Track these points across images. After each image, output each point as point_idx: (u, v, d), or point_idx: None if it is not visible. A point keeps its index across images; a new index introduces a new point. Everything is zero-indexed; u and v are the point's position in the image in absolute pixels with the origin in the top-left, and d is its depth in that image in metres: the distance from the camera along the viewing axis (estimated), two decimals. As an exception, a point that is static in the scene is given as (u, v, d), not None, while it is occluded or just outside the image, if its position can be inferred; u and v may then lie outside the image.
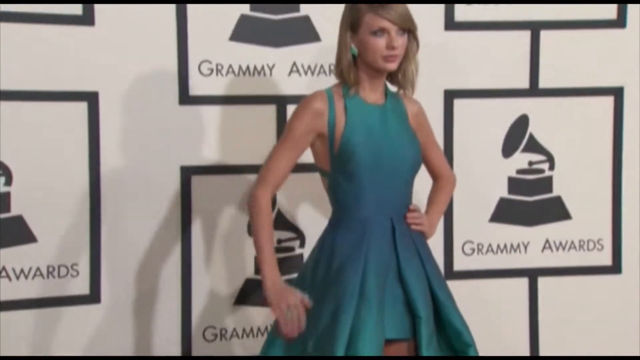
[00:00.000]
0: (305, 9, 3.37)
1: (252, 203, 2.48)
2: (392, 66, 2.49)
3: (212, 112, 3.35)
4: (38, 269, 3.14)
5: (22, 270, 3.13)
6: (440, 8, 3.41)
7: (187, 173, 3.32)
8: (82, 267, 3.21)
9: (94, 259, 3.24)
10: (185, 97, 3.30)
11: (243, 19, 3.36)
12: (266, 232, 2.44)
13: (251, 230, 2.48)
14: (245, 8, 3.32)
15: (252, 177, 3.27)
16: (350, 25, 2.49)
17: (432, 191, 2.75)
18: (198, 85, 3.32)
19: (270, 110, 3.40)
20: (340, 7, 2.60)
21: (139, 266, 3.28)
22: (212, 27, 3.30)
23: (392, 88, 2.66)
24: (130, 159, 3.27)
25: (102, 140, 3.24)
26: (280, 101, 3.38)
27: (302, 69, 3.39)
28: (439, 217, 2.74)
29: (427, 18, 3.31)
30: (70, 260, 3.18)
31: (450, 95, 3.48)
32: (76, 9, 3.14)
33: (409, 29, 2.48)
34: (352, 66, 2.50)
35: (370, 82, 2.53)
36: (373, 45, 2.46)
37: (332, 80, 2.67)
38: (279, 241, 3.35)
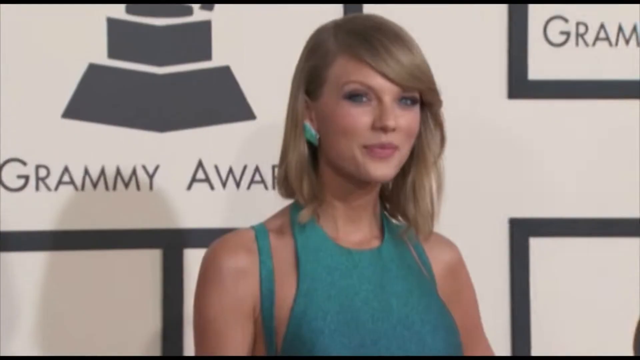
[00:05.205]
0: (221, 54, 2.51)
1: None
2: (383, 171, 1.79)
3: (27, 268, 2.45)
4: None
5: None
6: (500, 58, 2.60)
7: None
8: None
9: None
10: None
11: (94, 70, 2.47)
12: None
13: None
14: (100, 55, 2.47)
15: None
16: (307, 81, 1.84)
17: None
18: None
19: (151, 258, 2.49)
20: (298, 49, 1.86)
21: None
22: (28, 87, 2.44)
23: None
24: None
25: None
26: (171, 241, 2.49)
27: (217, 175, 2.51)
28: None
29: (475, 77, 2.60)
30: None
31: (522, 230, 2.62)
32: None
33: (421, 94, 1.80)
34: (306, 164, 1.84)
35: (346, 203, 1.84)
36: (345, 118, 1.79)
37: (276, 201, 1.92)
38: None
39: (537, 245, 2.61)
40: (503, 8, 2.58)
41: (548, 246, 2.62)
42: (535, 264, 2.62)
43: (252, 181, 2.50)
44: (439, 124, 1.87)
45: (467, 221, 2.47)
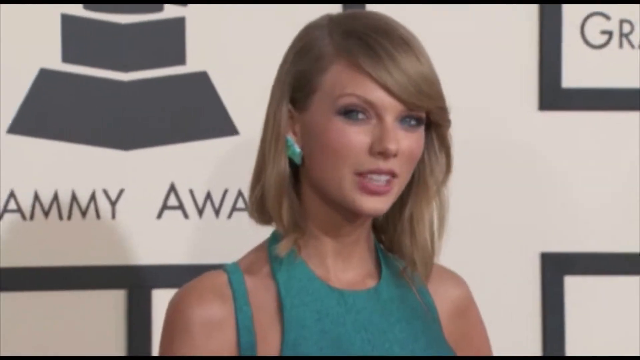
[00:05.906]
0: (197, 57, 2.33)
1: None
2: (375, 205, 1.69)
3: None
4: None
5: None
6: (530, 63, 2.44)
7: None
8: None
9: None
10: None
11: (46, 77, 2.29)
12: None
13: None
14: (53, 58, 2.29)
15: None
16: (293, 88, 1.73)
17: None
18: None
19: (114, 300, 2.33)
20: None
21: None
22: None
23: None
24: None
25: None
26: (137, 280, 2.32)
27: (193, 201, 2.34)
28: None
29: (500, 86, 2.44)
30: None
31: (555, 266, 2.44)
32: None
33: (428, 113, 1.71)
34: (287, 185, 1.72)
35: (334, 237, 1.74)
36: (337, 138, 1.70)
37: (261, 231, 1.77)
38: None
39: (573, 284, 2.44)
40: (534, 4, 2.46)
41: (586, 285, 2.46)
42: (570, 305, 2.44)
43: (234, 208, 2.33)
44: (446, 147, 1.74)
45: (491, 256, 2.35)
